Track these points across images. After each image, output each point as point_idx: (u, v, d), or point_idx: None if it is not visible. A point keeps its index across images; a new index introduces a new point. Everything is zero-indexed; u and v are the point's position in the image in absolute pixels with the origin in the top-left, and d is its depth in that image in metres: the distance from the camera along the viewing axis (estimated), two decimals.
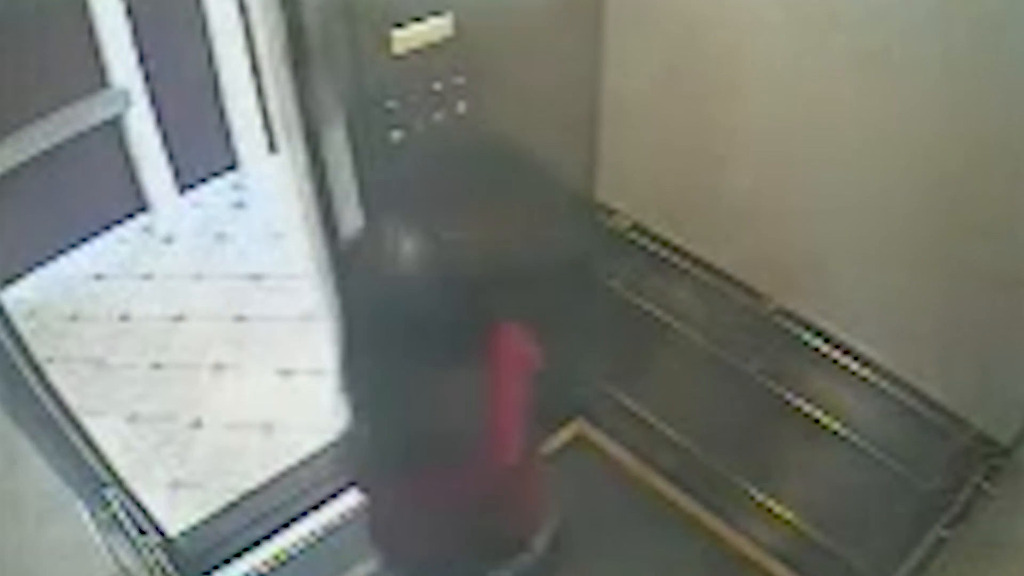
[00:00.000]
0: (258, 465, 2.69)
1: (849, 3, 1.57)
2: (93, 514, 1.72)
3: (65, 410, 1.75)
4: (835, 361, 1.92)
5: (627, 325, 2.38)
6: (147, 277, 3.56)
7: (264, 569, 2.40)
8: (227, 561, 2.39)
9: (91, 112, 3.28)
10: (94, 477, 1.84)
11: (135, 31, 3.27)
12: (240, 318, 3.33)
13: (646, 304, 2.30)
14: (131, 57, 3.30)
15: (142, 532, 1.88)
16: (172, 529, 2.32)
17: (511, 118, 2.00)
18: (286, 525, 2.48)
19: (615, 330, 2.45)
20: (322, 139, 1.82)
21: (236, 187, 3.99)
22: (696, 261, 2.14)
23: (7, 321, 1.60)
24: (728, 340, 2.14)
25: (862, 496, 2.05)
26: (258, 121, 3.78)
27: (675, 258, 2.17)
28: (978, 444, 1.74)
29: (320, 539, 2.47)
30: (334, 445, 2.57)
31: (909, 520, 1.92)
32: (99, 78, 3.27)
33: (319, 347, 2.72)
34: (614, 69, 2.08)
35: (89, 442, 1.84)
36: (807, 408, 2.05)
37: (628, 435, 2.61)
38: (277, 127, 1.91)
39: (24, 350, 1.63)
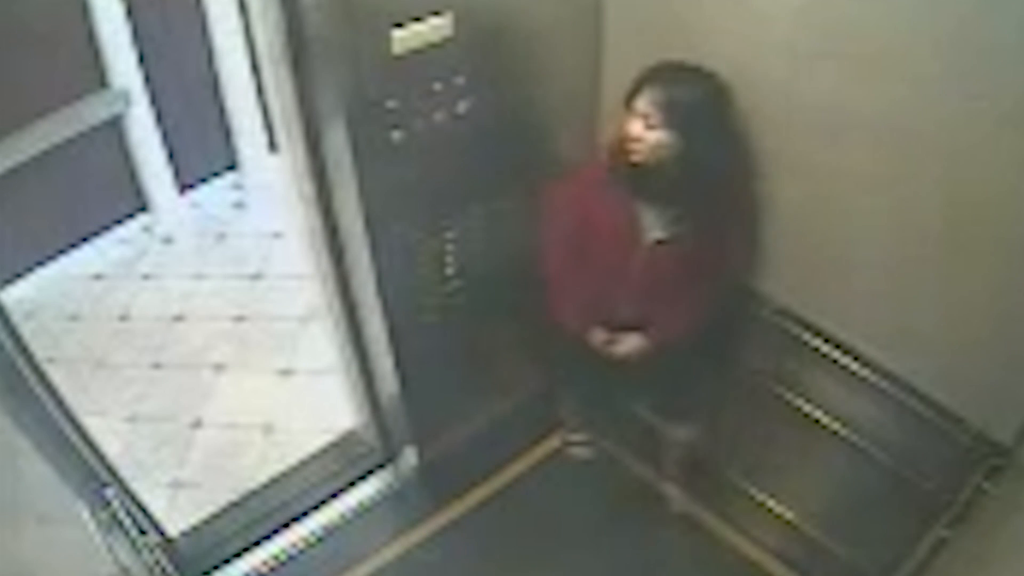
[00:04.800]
0: (258, 465, 2.70)
1: (856, 7, 1.56)
2: (93, 514, 1.71)
3: (65, 410, 1.75)
4: (835, 361, 1.91)
5: None
6: (147, 277, 3.57)
7: (264, 569, 2.41)
8: (227, 561, 2.39)
9: (91, 112, 3.28)
10: (94, 477, 1.84)
11: (135, 31, 3.27)
12: (240, 318, 3.33)
13: None
14: (131, 57, 3.30)
15: (142, 532, 1.87)
16: (172, 529, 2.33)
17: (511, 118, 2.00)
18: (286, 525, 2.48)
19: None
20: (322, 139, 1.82)
21: (236, 187, 3.99)
22: None
23: (7, 321, 1.60)
24: (728, 340, 2.13)
25: (862, 496, 2.06)
26: (258, 121, 3.78)
27: None
28: (978, 444, 1.74)
29: (320, 539, 2.47)
30: (334, 445, 2.61)
31: (909, 520, 1.92)
32: (99, 78, 3.27)
33: (319, 347, 2.73)
34: (614, 69, 2.07)
35: (89, 442, 1.83)
36: (807, 408, 2.05)
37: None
38: (277, 127, 1.91)
39: (24, 350, 1.63)
